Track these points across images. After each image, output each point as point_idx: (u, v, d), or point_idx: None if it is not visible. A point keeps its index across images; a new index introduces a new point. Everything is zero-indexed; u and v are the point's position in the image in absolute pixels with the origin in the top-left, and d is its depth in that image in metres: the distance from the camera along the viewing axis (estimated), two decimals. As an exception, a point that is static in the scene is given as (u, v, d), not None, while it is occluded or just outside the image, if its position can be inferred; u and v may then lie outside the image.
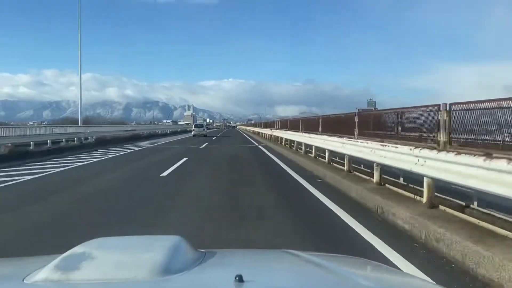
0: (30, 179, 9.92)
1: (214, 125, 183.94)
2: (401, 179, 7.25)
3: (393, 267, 3.16)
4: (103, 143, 25.00)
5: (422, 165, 5.26)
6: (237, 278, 1.15)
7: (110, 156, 17.24)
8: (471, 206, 5.09)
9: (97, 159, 15.40)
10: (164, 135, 47.64)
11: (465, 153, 4.43)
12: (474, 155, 4.22)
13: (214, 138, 38.58)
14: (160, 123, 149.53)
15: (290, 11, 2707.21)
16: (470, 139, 5.12)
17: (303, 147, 15.32)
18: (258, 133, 41.00)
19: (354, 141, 8.77)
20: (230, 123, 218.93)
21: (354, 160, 9.34)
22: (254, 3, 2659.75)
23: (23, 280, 1.24)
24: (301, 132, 16.58)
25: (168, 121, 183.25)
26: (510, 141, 4.44)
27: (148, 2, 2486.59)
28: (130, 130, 39.71)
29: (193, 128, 46.57)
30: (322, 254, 2.04)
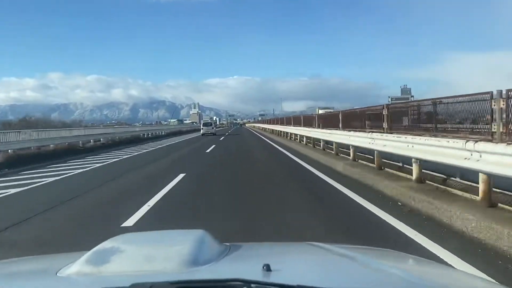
0: None
1: (219, 123, 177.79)
2: None
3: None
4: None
5: None
6: (264, 267, 1.18)
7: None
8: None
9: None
10: (159, 137, 39.81)
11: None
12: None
13: (222, 137, 35.11)
14: (165, 123, 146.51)
15: (294, 5, 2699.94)
16: None
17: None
18: (280, 133, 29.08)
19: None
20: (237, 120, 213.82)
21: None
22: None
23: (56, 274, 1.29)
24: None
25: (173, 120, 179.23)
26: None
27: (150, 2, 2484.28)
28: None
29: (201, 127, 44.41)
30: (349, 246, 1.97)
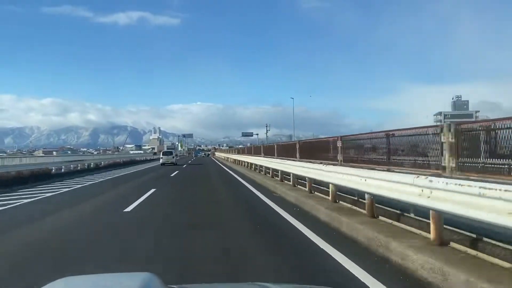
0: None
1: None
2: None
3: None
4: None
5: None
6: None
7: None
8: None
9: None
10: (93, 170, 29.30)
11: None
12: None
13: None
14: (121, 148, 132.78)
15: (255, 34, 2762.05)
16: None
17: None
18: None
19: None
20: (201, 146, 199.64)
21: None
22: (214, 26, 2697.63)
23: None
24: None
25: (130, 145, 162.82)
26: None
27: (107, 26, 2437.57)
28: None
29: (161, 156, 41.00)
30: (297, 286, 1.99)
